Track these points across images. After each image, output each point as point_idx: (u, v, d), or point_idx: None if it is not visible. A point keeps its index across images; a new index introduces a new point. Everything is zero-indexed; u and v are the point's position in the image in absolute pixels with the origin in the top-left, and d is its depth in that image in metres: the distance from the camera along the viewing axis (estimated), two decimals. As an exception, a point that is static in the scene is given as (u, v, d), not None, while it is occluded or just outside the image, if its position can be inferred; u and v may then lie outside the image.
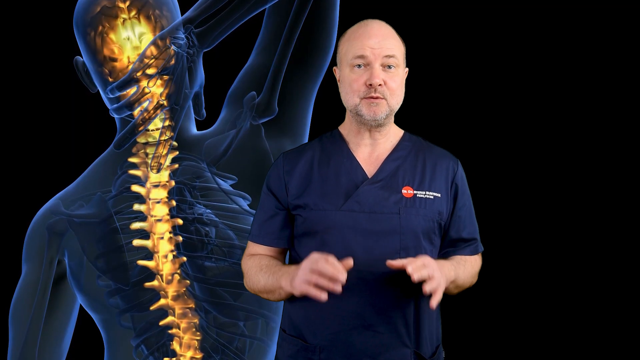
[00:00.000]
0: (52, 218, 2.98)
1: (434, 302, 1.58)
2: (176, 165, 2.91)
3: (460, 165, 1.87)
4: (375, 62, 1.71)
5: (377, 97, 1.72)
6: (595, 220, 2.88)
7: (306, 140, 2.97)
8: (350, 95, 1.75)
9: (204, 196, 2.92)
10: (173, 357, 3.03)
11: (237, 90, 2.99)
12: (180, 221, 2.88)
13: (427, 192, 1.77)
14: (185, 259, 2.90)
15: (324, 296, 1.56)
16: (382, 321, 1.71)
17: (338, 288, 1.55)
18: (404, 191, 1.75)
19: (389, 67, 1.73)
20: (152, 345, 3.04)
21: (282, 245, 1.87)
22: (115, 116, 2.87)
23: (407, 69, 1.83)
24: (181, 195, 2.89)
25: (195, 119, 3.02)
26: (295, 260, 1.85)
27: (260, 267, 1.81)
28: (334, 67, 1.85)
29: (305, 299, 1.69)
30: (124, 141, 2.84)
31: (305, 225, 1.78)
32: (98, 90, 2.93)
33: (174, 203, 2.89)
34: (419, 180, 1.78)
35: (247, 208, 2.92)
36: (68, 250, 2.99)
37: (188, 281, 2.93)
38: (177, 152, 2.91)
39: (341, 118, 1.90)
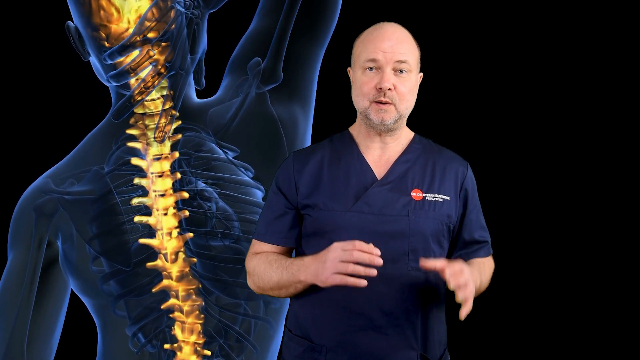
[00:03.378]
0: (40, 197, 2.77)
1: (464, 312, 1.57)
2: (179, 136, 2.75)
3: (469, 169, 1.86)
4: (387, 66, 1.71)
5: (385, 103, 1.72)
6: (605, 223, 2.85)
7: (313, 106, 2.87)
8: (360, 97, 1.75)
9: (207, 169, 2.76)
10: (174, 344, 2.85)
11: (239, 57, 2.86)
12: (186, 194, 2.72)
13: (437, 195, 1.77)
14: (192, 234, 2.74)
15: (363, 282, 1.55)
16: (389, 323, 1.71)
17: (374, 272, 1.55)
18: (413, 194, 1.75)
19: (401, 71, 1.72)
20: (150, 333, 2.85)
21: (289, 245, 1.84)
22: (113, 84, 2.69)
23: (421, 74, 1.82)
24: (182, 168, 2.73)
25: (195, 88, 2.87)
26: None
27: (269, 262, 1.78)
28: (348, 68, 1.84)
29: (312, 299, 1.72)
30: (123, 110, 2.67)
31: (315, 225, 1.77)
32: (90, 61, 2.75)
33: (178, 175, 2.72)
34: (429, 183, 1.78)
35: (250, 181, 2.79)
36: (62, 231, 2.78)
37: (194, 259, 2.76)
38: (180, 122, 2.75)
39: (352, 118, 1.89)
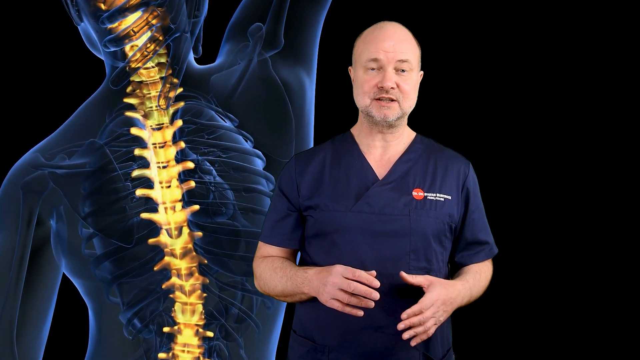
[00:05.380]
0: (30, 174, 2.60)
1: (413, 341, 1.63)
2: (181, 103, 2.62)
3: (471, 168, 1.87)
4: (389, 65, 1.72)
5: (389, 100, 1.73)
6: (607, 223, 2.85)
7: (315, 71, 2.79)
8: (361, 96, 1.76)
9: (208, 138, 2.65)
10: (174, 326, 2.71)
11: (239, 22, 2.75)
12: (191, 164, 2.59)
13: (438, 195, 1.78)
14: (197, 207, 2.61)
15: (360, 313, 1.60)
16: (391, 322, 1.70)
17: (371, 305, 1.59)
18: (414, 193, 1.76)
19: (402, 70, 1.74)
20: (147, 317, 2.70)
21: (293, 246, 1.86)
22: (111, 49, 2.54)
23: (421, 72, 1.84)
24: (182, 138, 2.61)
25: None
26: (305, 260, 1.85)
27: (274, 270, 1.80)
28: (349, 67, 1.85)
29: (315, 299, 1.71)
30: (123, 77, 2.52)
31: (316, 226, 1.78)
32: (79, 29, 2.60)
33: (182, 145, 2.59)
34: (430, 182, 1.79)
35: (251, 149, 2.69)
36: (56, 209, 2.61)
37: (200, 233, 2.63)
38: (182, 89, 2.62)
39: (354, 119, 1.88)
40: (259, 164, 2.71)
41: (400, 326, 1.59)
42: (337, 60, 2.65)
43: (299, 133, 2.74)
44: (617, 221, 2.84)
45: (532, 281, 2.85)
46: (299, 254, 1.90)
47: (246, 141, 2.70)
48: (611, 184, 2.84)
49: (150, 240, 2.62)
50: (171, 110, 2.61)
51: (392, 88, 1.71)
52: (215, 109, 2.66)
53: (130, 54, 2.55)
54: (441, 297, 1.64)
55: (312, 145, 2.79)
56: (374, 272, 1.59)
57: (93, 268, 2.64)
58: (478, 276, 1.82)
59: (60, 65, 2.76)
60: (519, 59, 2.86)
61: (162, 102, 2.55)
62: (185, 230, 2.63)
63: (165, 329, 2.71)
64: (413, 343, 1.62)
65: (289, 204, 1.83)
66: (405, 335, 1.60)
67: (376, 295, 1.56)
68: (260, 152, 2.70)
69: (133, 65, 2.54)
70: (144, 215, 2.60)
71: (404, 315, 1.59)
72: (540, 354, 2.88)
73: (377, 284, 1.57)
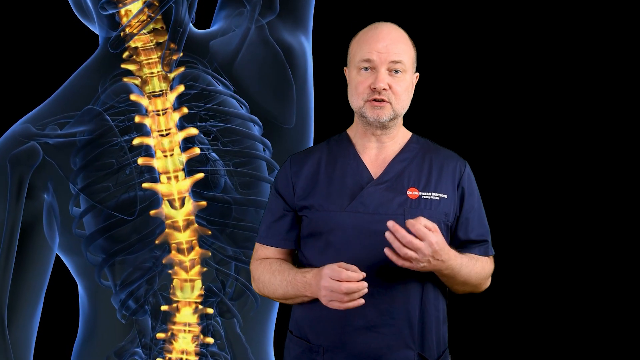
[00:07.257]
0: (20, 145, 2.46)
1: (391, 254, 1.61)
2: (182, 69, 2.53)
3: (467, 167, 1.87)
4: (382, 66, 1.72)
5: (381, 100, 1.74)
6: (605, 223, 2.88)
7: (311, 34, 2.77)
8: (355, 97, 1.77)
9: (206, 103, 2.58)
10: (172, 304, 2.61)
11: (234, -13, 2.69)
12: (194, 131, 2.50)
13: (433, 194, 1.78)
14: (202, 175, 2.52)
15: (361, 302, 1.60)
16: (385, 322, 1.72)
17: (361, 301, 1.60)
18: (409, 192, 1.76)
19: (396, 71, 1.74)
20: (142, 297, 2.59)
21: (289, 247, 1.86)
22: (110, 11, 2.43)
23: (417, 74, 1.84)
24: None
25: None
26: (301, 260, 1.85)
27: (272, 273, 1.80)
28: (345, 68, 1.86)
29: (311, 300, 1.74)
30: (121, 41, 2.43)
31: (311, 226, 1.79)
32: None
33: (185, 110, 2.50)
34: (425, 181, 1.79)
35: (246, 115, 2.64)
36: (51, 182, 2.48)
37: (204, 203, 2.54)
38: (182, 54, 2.54)
39: (350, 120, 1.88)
40: (256, 130, 2.66)
41: (389, 224, 1.57)
42: (333, 29, 2.65)
43: (300, 98, 2.70)
44: (616, 220, 2.87)
45: (529, 283, 2.86)
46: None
47: (241, 107, 2.64)
48: (607, 182, 2.88)
49: (152, 212, 2.51)
50: (171, 76, 2.52)
51: (384, 89, 1.71)
52: (211, 73, 2.58)
53: (125, 20, 2.46)
54: (438, 246, 1.60)
55: (312, 110, 2.76)
56: (355, 268, 1.59)
57: (85, 248, 2.51)
58: (473, 261, 1.79)
59: (48, 32, 2.65)
60: (516, 58, 2.89)
61: (165, 66, 2.46)
62: (189, 200, 2.54)
63: (163, 308, 2.61)
64: (389, 252, 1.60)
65: (284, 204, 1.82)
66: (392, 256, 1.58)
67: (365, 289, 1.57)
68: (256, 118, 2.65)
69: (128, 30, 2.45)
70: (146, 185, 2.49)
71: (389, 223, 1.57)
72: (538, 356, 2.89)
73: (363, 274, 1.58)
